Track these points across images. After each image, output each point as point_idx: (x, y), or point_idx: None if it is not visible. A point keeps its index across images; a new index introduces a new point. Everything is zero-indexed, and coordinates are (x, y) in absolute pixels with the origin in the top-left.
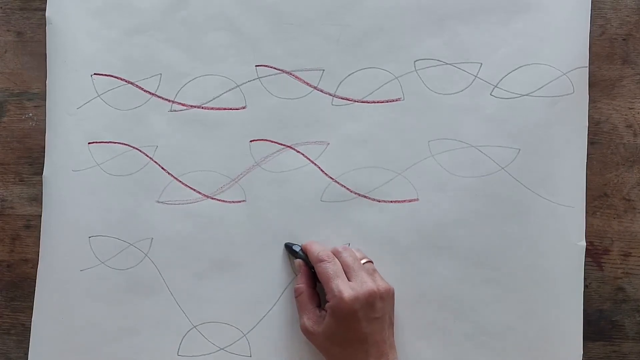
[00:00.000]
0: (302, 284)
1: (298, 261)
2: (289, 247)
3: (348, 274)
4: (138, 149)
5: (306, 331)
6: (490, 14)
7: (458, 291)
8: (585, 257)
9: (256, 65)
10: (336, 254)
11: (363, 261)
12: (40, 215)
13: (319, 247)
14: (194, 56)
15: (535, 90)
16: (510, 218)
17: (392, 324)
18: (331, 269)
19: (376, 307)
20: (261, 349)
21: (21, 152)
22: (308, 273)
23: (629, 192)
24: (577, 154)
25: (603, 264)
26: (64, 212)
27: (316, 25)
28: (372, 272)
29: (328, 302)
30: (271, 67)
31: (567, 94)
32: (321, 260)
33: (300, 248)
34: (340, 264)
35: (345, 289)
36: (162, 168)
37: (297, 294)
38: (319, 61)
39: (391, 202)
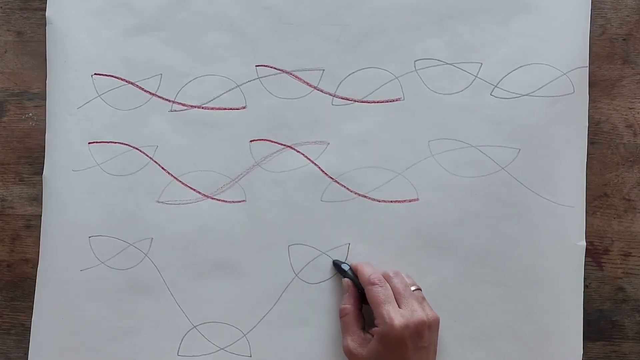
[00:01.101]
0: (348, 305)
1: (346, 281)
2: (337, 265)
3: (398, 300)
4: (138, 149)
5: (349, 353)
6: (490, 14)
7: (458, 291)
8: (585, 257)
9: (256, 65)
10: (387, 278)
11: (412, 288)
12: (40, 215)
13: (370, 270)
14: (194, 56)
15: (536, 90)
16: (510, 218)
17: (435, 353)
18: (382, 293)
19: (424, 336)
20: (261, 349)
21: (21, 152)
22: (356, 294)
23: (629, 192)
24: (577, 154)
25: (603, 264)
26: (64, 212)
27: (316, 25)
28: (422, 301)
29: (377, 326)
30: (271, 67)
31: (567, 94)
32: (373, 284)
33: (349, 267)
34: (391, 289)
35: (396, 316)
36: (162, 168)
37: (342, 314)
38: (319, 61)
39: (391, 202)
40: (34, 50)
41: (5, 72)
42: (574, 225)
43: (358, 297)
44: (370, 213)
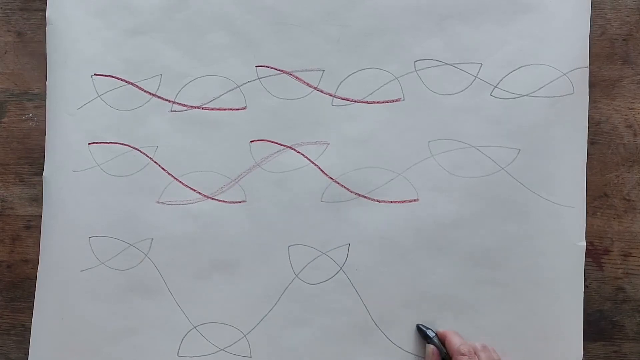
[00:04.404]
0: None
1: (431, 348)
2: (421, 330)
3: None
4: (138, 150)
5: None
6: (490, 14)
7: (458, 291)
8: (586, 257)
9: (256, 66)
10: (475, 351)
11: None
12: (41, 216)
13: (459, 340)
14: (195, 57)
15: (536, 91)
16: (510, 218)
17: None
18: None
19: None
20: (261, 349)
21: (21, 152)
22: None
23: (629, 192)
24: (577, 154)
25: (603, 264)
26: (64, 213)
27: (316, 25)
28: None
29: None
30: (271, 68)
31: (567, 94)
32: (462, 354)
33: (434, 334)
34: None
35: None
36: (163, 168)
37: None
38: (319, 61)
39: (391, 202)
40: (34, 50)
41: (6, 73)
42: (574, 225)
43: None
44: (370, 213)
